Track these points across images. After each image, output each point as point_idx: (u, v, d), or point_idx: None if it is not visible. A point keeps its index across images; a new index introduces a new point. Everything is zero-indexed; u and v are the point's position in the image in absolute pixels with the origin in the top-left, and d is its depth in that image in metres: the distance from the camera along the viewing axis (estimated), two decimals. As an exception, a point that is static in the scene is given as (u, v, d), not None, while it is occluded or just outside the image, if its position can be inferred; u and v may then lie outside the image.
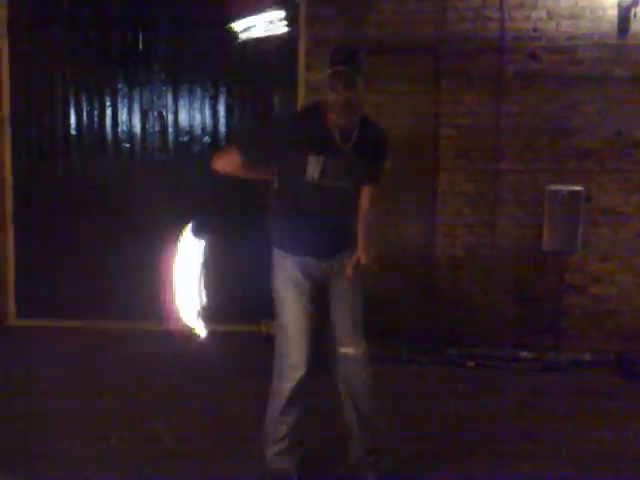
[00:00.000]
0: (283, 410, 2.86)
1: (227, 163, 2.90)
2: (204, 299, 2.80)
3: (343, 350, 2.91)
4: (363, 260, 2.84)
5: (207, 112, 5.43)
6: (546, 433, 3.59)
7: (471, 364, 4.65)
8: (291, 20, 5.20)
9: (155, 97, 5.44)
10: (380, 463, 2.97)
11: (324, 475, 3.07)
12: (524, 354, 4.72)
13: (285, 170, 2.82)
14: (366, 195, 2.91)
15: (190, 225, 2.83)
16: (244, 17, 3.21)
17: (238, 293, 5.10)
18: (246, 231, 4.80)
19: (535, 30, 4.79)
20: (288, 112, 2.96)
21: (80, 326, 5.36)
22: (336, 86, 2.61)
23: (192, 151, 5.46)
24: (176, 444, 3.40)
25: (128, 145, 5.48)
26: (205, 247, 2.86)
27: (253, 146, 2.85)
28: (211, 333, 2.84)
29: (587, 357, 4.72)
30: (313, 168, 2.71)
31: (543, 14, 4.79)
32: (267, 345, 3.16)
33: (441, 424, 3.68)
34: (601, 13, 4.72)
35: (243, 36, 3.17)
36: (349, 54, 2.65)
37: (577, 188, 4.78)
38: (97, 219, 5.49)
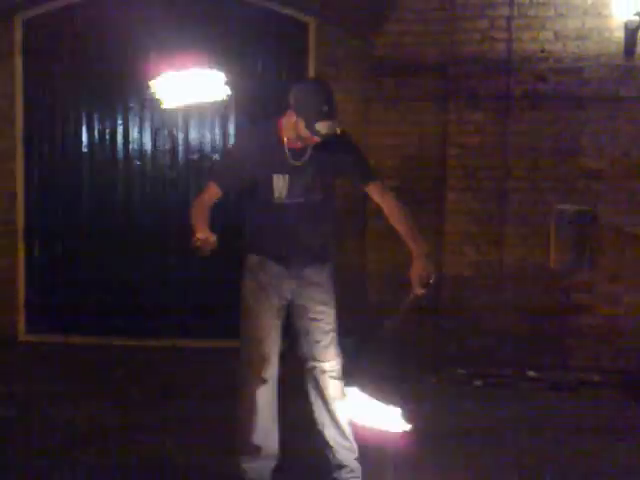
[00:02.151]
0: (250, 418, 2.90)
1: (205, 198, 2.87)
2: None
3: (313, 364, 2.94)
4: (426, 271, 2.84)
5: (217, 131, 5.50)
6: (553, 453, 3.56)
7: (478, 383, 4.64)
8: (301, 40, 5.31)
9: (166, 115, 5.50)
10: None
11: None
12: (532, 373, 4.71)
13: (253, 191, 2.88)
14: (380, 198, 2.97)
15: None
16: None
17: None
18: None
19: (542, 51, 4.82)
20: (244, 132, 3.00)
21: (90, 342, 5.38)
22: (318, 133, 2.69)
23: (202, 169, 5.51)
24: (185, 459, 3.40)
25: (139, 162, 5.55)
26: None
27: (224, 173, 2.94)
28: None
29: (595, 377, 4.69)
30: (279, 187, 2.81)
31: (550, 35, 4.83)
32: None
33: (445, 442, 3.67)
34: (608, 34, 4.76)
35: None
36: (334, 107, 2.71)
37: (585, 208, 4.79)
38: (108, 235, 5.53)
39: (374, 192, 2.97)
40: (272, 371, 2.92)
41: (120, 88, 5.51)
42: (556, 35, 4.82)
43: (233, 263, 5.30)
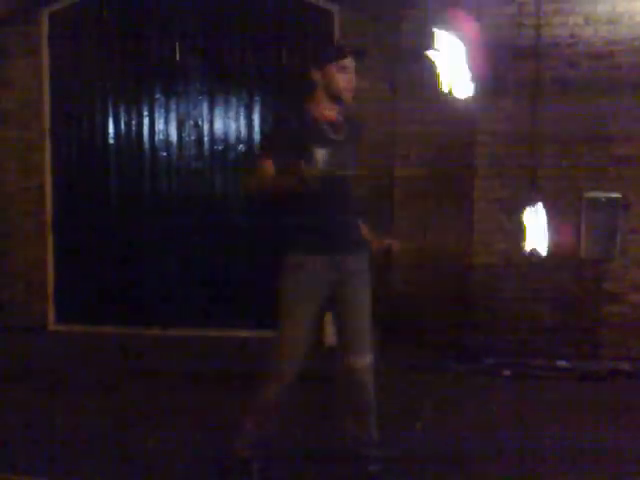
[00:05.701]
0: (264, 411, 2.92)
1: (259, 174, 2.80)
2: None
3: (349, 360, 2.90)
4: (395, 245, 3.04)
5: (242, 121, 5.49)
6: (584, 445, 3.49)
7: (507, 373, 4.60)
8: (325, 28, 5.28)
9: (191, 107, 5.52)
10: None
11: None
12: (562, 363, 4.65)
13: (288, 164, 2.77)
14: None
15: None
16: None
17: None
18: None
19: (572, 36, 4.74)
20: (279, 116, 3.01)
21: (118, 332, 5.43)
22: (348, 77, 2.84)
23: (227, 159, 5.52)
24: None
25: (165, 154, 5.57)
26: None
27: (274, 143, 2.86)
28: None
29: (626, 366, 4.63)
30: (319, 160, 2.78)
31: (580, 20, 4.74)
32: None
33: (474, 432, 3.64)
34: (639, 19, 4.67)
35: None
36: (354, 51, 2.91)
37: (615, 195, 4.71)
38: (134, 226, 5.58)
39: None
40: (299, 370, 2.89)
41: (146, 79, 5.53)
42: (586, 19, 4.74)
43: (256, 254, 5.42)
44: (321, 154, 2.79)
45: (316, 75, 2.87)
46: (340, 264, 2.86)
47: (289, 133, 2.82)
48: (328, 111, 2.89)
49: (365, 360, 2.90)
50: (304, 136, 2.80)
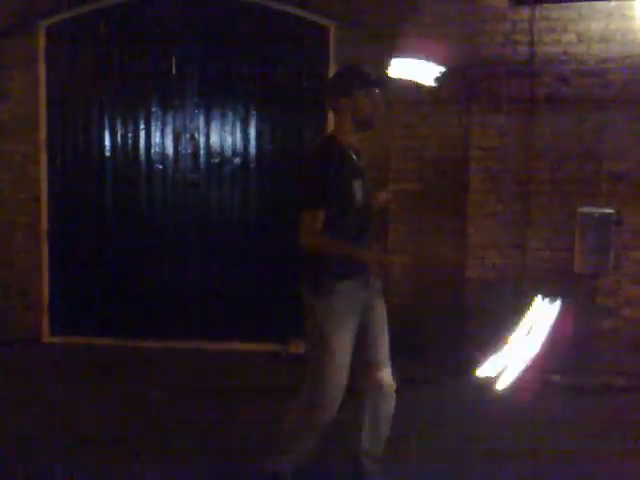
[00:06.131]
0: (308, 436, 2.90)
1: (313, 229, 2.76)
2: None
3: (378, 375, 2.95)
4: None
5: (238, 135, 5.52)
6: (577, 458, 3.53)
7: (501, 387, 4.60)
8: (321, 44, 5.32)
9: (187, 120, 5.54)
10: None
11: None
12: (556, 377, 4.67)
13: (334, 202, 2.80)
14: None
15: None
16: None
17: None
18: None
19: (565, 53, 4.81)
20: (315, 155, 2.95)
21: (113, 344, 5.42)
22: (376, 101, 2.89)
23: (223, 172, 5.54)
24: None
25: (161, 166, 5.58)
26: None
27: (316, 194, 2.78)
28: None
29: (620, 381, 4.65)
30: (358, 192, 2.84)
31: (573, 38, 4.81)
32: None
33: (467, 446, 3.65)
34: (632, 36, 4.73)
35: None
36: (381, 77, 3.02)
37: (609, 211, 4.76)
38: (130, 238, 5.58)
39: None
40: (341, 400, 2.87)
41: (142, 92, 5.55)
42: (579, 37, 4.80)
43: (252, 264, 5.44)
44: (357, 186, 2.83)
45: (343, 102, 2.86)
46: (367, 283, 2.89)
47: (334, 176, 2.76)
48: (354, 139, 2.91)
49: (390, 374, 2.97)
50: (344, 172, 2.81)
